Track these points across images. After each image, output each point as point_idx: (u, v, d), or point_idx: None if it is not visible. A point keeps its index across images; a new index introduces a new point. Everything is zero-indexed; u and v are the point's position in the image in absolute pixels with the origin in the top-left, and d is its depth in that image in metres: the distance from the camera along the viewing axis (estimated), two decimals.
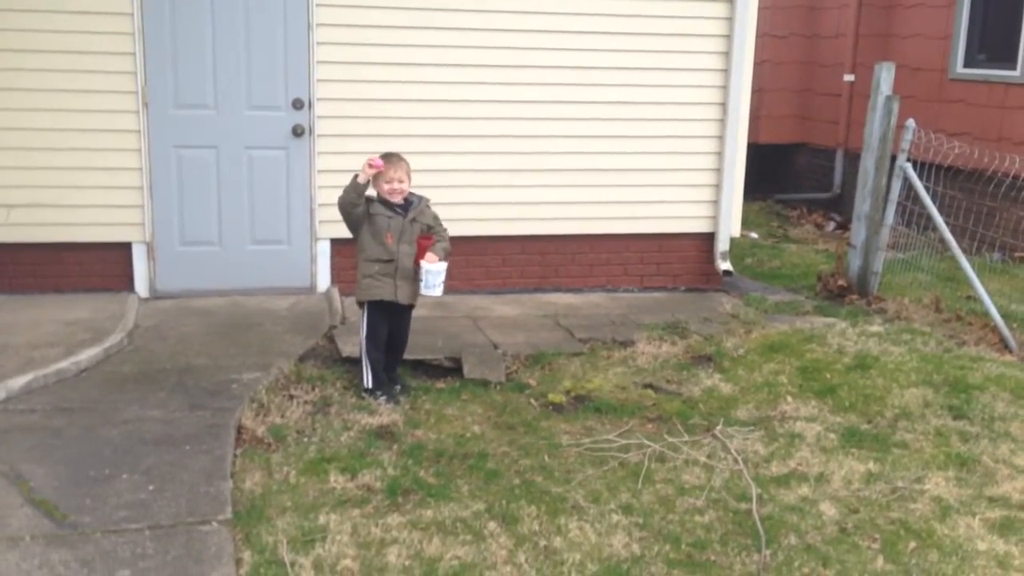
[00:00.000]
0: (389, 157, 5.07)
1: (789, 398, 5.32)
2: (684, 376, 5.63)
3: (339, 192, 5.05)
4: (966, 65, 9.81)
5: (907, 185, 7.06)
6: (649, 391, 5.42)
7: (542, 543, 3.82)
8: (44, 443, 4.38)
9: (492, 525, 3.92)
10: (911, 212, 7.23)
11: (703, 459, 4.60)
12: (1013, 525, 4.06)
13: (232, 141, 6.56)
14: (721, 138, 7.17)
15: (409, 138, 6.51)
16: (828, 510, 4.15)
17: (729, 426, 4.96)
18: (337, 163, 6.40)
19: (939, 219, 6.80)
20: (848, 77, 11.25)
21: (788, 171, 12.48)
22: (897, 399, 5.25)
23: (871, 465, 4.57)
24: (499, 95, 6.80)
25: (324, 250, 6.79)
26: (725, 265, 7.35)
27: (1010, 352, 6.10)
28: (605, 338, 6.11)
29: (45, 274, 6.46)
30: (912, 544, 3.91)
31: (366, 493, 4.14)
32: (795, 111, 12.19)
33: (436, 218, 5.25)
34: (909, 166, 7.03)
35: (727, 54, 7.04)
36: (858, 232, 7.26)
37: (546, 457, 4.58)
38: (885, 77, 7.03)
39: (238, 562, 3.57)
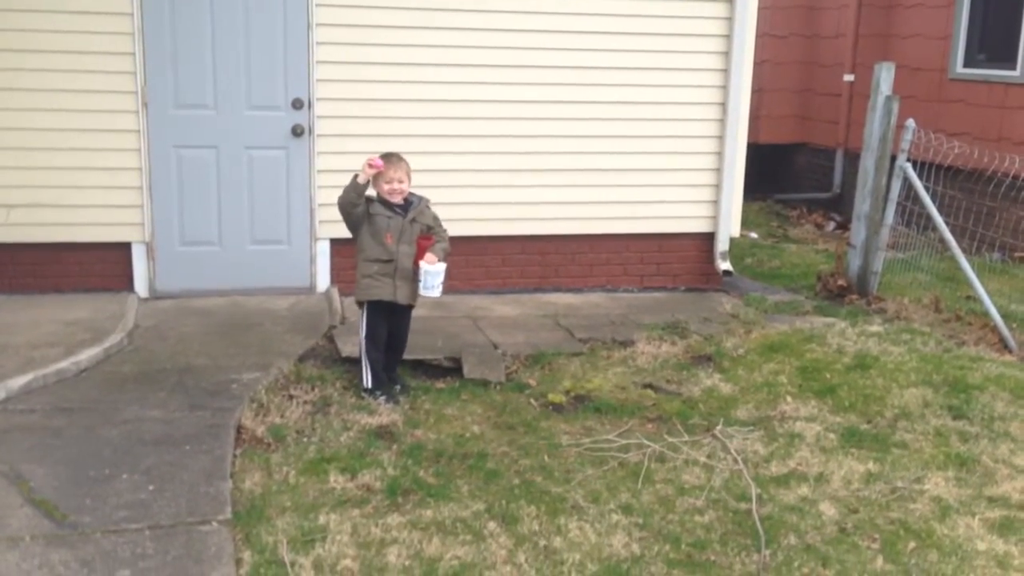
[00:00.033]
0: (389, 157, 5.07)
1: (789, 398, 5.33)
2: (684, 376, 5.63)
3: (339, 192, 5.05)
4: (966, 65, 9.81)
5: (907, 185, 7.06)
6: (649, 391, 5.42)
7: (542, 543, 3.82)
8: (44, 443, 4.38)
9: (492, 525, 3.93)
10: (911, 212, 7.23)
11: (703, 459, 4.60)
12: (1013, 525, 4.06)
13: (232, 141, 6.56)
14: (721, 138, 7.18)
15: (409, 138, 6.51)
16: (828, 510, 4.16)
17: (729, 426, 4.96)
18: (337, 163, 6.40)
19: (939, 219, 6.80)
20: (848, 77, 11.25)
21: (788, 171, 12.49)
22: (897, 399, 5.25)
23: (871, 465, 4.57)
24: (499, 95, 6.81)
25: (324, 250, 6.80)
26: (725, 265, 7.35)
27: (1010, 352, 6.10)
28: (605, 338, 6.12)
29: (45, 274, 6.46)
30: (912, 544, 3.91)
31: (366, 493, 4.14)
32: (795, 111, 12.19)
33: (436, 218, 5.25)
34: (909, 166, 7.04)
35: (727, 54, 7.05)
36: (858, 232, 7.26)
37: (546, 457, 4.59)
38: (885, 77, 7.03)
39: (238, 562, 3.57)
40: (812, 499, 4.25)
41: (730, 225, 7.35)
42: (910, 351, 5.88)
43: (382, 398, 5.11)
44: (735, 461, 4.58)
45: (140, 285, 6.58)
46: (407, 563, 3.63)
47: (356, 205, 5.02)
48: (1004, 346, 6.17)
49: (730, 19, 6.99)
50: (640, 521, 4.01)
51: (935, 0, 10.13)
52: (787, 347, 5.94)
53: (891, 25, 10.81)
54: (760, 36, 8.24)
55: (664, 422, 5.04)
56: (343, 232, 5.31)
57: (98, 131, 6.31)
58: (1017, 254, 8.56)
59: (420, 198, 5.19)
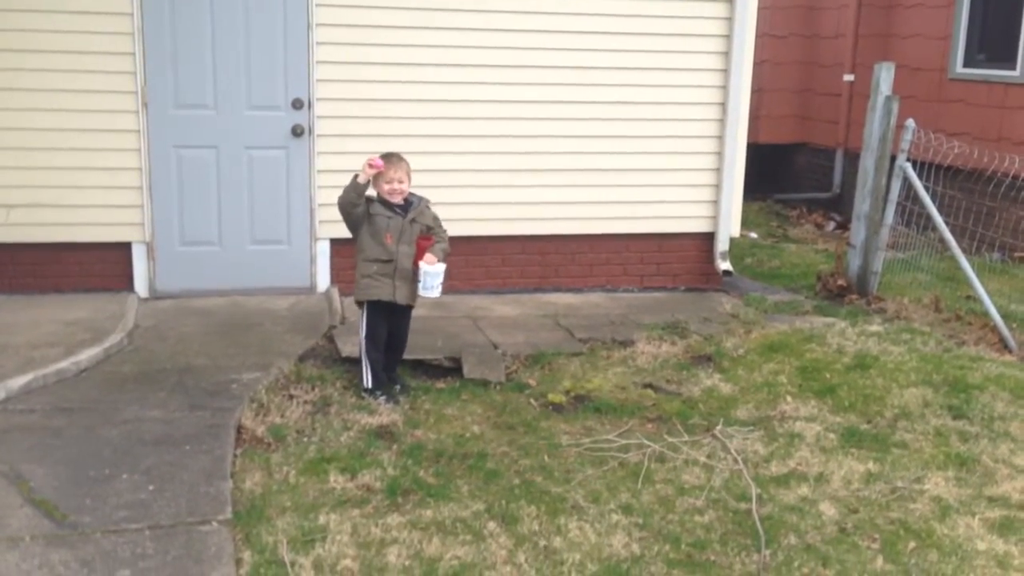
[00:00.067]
0: (389, 157, 5.07)
1: (789, 398, 5.33)
2: (684, 376, 5.63)
3: (339, 192, 5.05)
4: (966, 65, 9.81)
5: (907, 185, 7.06)
6: (649, 391, 5.42)
7: (542, 543, 3.82)
8: (44, 443, 4.38)
9: (492, 525, 3.93)
10: (911, 212, 7.23)
11: (703, 459, 4.60)
12: (1013, 525, 4.06)
13: (232, 141, 6.56)
14: (721, 138, 7.18)
15: (409, 138, 6.51)
16: (828, 510, 4.16)
17: (729, 426, 4.97)
18: (337, 163, 6.40)
19: (939, 219, 6.80)
20: (848, 77, 11.25)
21: (788, 171, 12.49)
22: (897, 399, 5.25)
23: (871, 465, 4.57)
24: (499, 95, 6.81)
25: (324, 250, 6.80)
26: (725, 265, 7.35)
27: (1010, 352, 6.10)
28: (605, 338, 6.12)
29: (45, 274, 6.46)
30: (912, 544, 3.91)
31: (366, 493, 4.14)
32: (795, 111, 12.19)
33: (436, 219, 5.25)
34: (909, 166, 7.04)
35: (727, 54, 7.05)
36: (858, 232, 7.26)
37: (546, 457, 4.59)
38: (885, 77, 7.03)
39: (238, 562, 3.57)
40: (812, 499, 4.25)
41: (730, 225, 7.35)
42: (910, 351, 5.89)
43: (382, 398, 5.11)
44: (735, 461, 4.58)
45: (140, 285, 6.58)
46: (407, 563, 3.63)
47: (356, 205, 5.02)
48: (1004, 346, 6.17)
49: (730, 19, 6.99)
50: (640, 521, 4.01)
51: (935, 0, 10.13)
52: (787, 347, 5.94)
53: (891, 25, 10.81)
54: (760, 36, 8.24)
55: (664, 422, 5.04)
56: (343, 232, 5.31)
57: (98, 131, 6.31)
58: (1017, 254, 8.56)
59: (420, 198, 5.19)
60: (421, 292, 5.10)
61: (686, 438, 4.83)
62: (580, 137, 6.99)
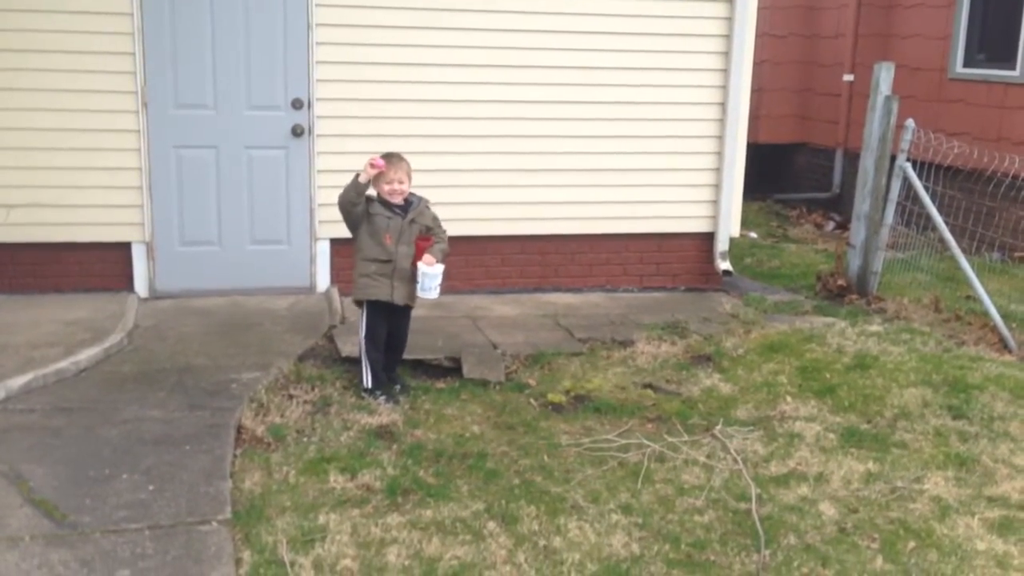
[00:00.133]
0: (390, 157, 5.07)
1: (788, 398, 5.33)
2: (683, 376, 5.63)
3: (339, 192, 5.05)
4: (965, 65, 9.81)
5: (906, 185, 7.06)
6: (649, 391, 5.42)
7: (541, 543, 3.82)
8: (44, 443, 4.38)
9: (492, 525, 3.93)
10: (910, 212, 7.23)
11: (702, 459, 4.61)
12: (1012, 525, 4.06)
13: (232, 141, 6.56)
14: (721, 138, 7.18)
15: (408, 138, 6.50)
16: (827, 510, 4.16)
17: (728, 426, 4.97)
18: (337, 163, 6.40)
19: (938, 219, 6.80)
20: (847, 77, 11.25)
21: (788, 171, 12.49)
22: (896, 399, 5.25)
23: (870, 465, 4.57)
24: (498, 95, 6.81)
25: (324, 250, 6.80)
26: (725, 265, 7.35)
27: (1009, 352, 6.10)
28: (605, 338, 6.12)
29: (45, 274, 6.46)
30: (911, 544, 3.92)
31: (366, 493, 4.14)
32: (794, 111, 12.19)
33: (436, 219, 5.25)
34: (908, 166, 7.04)
35: (727, 54, 7.05)
36: (857, 232, 7.26)
37: (545, 457, 4.59)
38: (884, 77, 7.03)
39: (238, 562, 3.57)
40: (812, 499, 4.25)
41: (730, 225, 7.35)
42: (910, 351, 5.89)
43: (382, 398, 5.11)
44: (735, 461, 4.58)
45: (140, 285, 6.58)
46: (407, 563, 3.63)
47: (356, 204, 5.02)
48: (1004, 346, 6.17)
49: (730, 19, 6.99)
50: (640, 521, 4.02)
51: (935, 0, 10.13)
52: (787, 347, 5.94)
53: (891, 25, 10.81)
54: (760, 36, 8.24)
55: (664, 422, 5.04)
56: (343, 232, 5.31)
57: (98, 131, 6.31)
58: (1017, 254, 8.56)
59: (420, 198, 5.19)
60: (419, 293, 5.10)
61: (686, 438, 4.83)
62: (579, 137, 6.99)
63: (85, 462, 4.20)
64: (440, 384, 5.47)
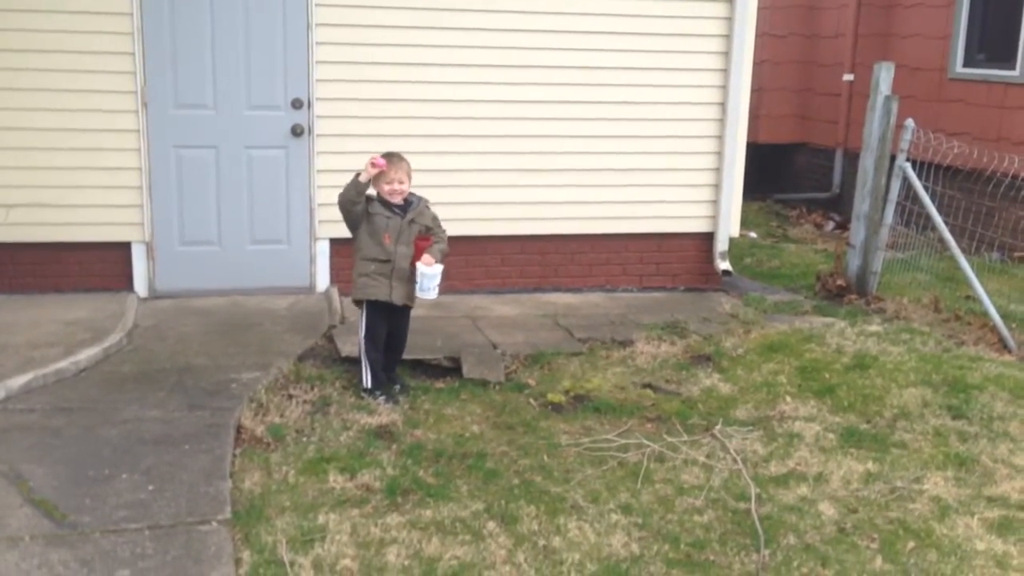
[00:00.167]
0: (391, 157, 5.07)
1: (788, 398, 5.33)
2: (683, 376, 5.64)
3: (339, 192, 5.06)
4: (965, 65, 9.81)
5: (906, 185, 7.06)
6: (648, 391, 5.42)
7: (541, 543, 3.82)
8: (43, 443, 4.38)
9: (491, 525, 3.93)
10: (910, 212, 7.23)
11: (702, 459, 4.61)
12: (1012, 525, 4.07)
13: (232, 141, 6.56)
14: (720, 138, 7.18)
15: (408, 138, 6.50)
16: (827, 510, 4.16)
17: (728, 426, 4.97)
18: (336, 163, 6.40)
19: (938, 219, 6.80)
20: (847, 77, 11.25)
21: (787, 171, 12.49)
22: (896, 399, 5.25)
23: (870, 465, 4.57)
24: (497, 95, 6.81)
25: (323, 250, 6.80)
26: (724, 265, 7.35)
27: (1009, 352, 6.10)
28: (604, 338, 6.12)
29: (45, 274, 6.46)
30: (911, 544, 3.92)
31: (365, 493, 4.14)
32: (794, 111, 12.19)
33: (435, 219, 5.25)
34: (908, 166, 7.04)
35: (727, 54, 7.05)
36: (857, 232, 7.26)
37: (545, 457, 4.59)
38: (884, 77, 7.04)
39: (237, 562, 3.57)
40: (811, 499, 4.25)
41: (729, 225, 7.35)
42: (909, 351, 5.89)
43: (381, 398, 5.11)
44: (734, 461, 4.59)
45: (140, 285, 6.58)
46: (406, 563, 3.63)
47: (356, 203, 5.02)
48: (1003, 346, 6.17)
49: (730, 19, 6.99)
50: (639, 521, 4.02)
51: (935, 0, 10.13)
52: (786, 347, 5.94)
53: (891, 25, 10.81)
54: (760, 36, 8.24)
55: (663, 422, 5.04)
56: (343, 232, 5.31)
57: (98, 131, 6.31)
58: (1016, 254, 8.56)
59: (419, 198, 5.19)
60: (418, 293, 5.10)
61: (685, 438, 4.83)
62: (579, 137, 6.99)
63: (85, 462, 4.20)
64: (440, 384, 5.48)
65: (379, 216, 5.07)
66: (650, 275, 7.39)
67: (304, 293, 6.78)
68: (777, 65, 11.94)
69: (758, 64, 8.84)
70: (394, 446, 4.62)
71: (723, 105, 7.12)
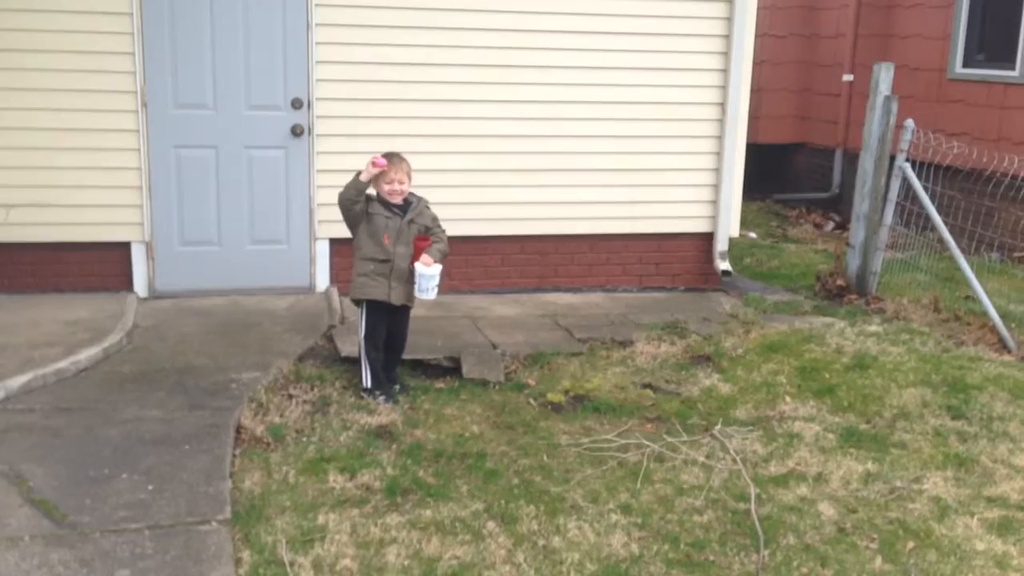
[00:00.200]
0: (391, 157, 5.07)
1: (788, 398, 5.33)
2: (683, 376, 5.64)
3: (338, 192, 5.06)
4: (965, 65, 9.82)
5: (906, 185, 7.06)
6: (648, 391, 5.42)
7: (541, 543, 3.82)
8: (43, 443, 4.38)
9: (491, 525, 3.93)
10: (910, 212, 7.24)
11: (702, 459, 4.61)
12: (1011, 525, 4.07)
13: (231, 141, 6.56)
14: (720, 138, 7.18)
15: (408, 138, 6.50)
16: (826, 510, 4.16)
17: (728, 426, 4.97)
18: (336, 163, 6.40)
19: (938, 219, 6.80)
20: (847, 77, 11.26)
21: (787, 171, 12.49)
22: (896, 399, 5.26)
23: (869, 465, 4.57)
24: (497, 95, 6.81)
25: (323, 250, 6.80)
26: (724, 265, 7.35)
27: (1009, 352, 6.10)
28: (604, 338, 6.12)
29: (45, 274, 6.46)
30: (910, 544, 3.92)
31: (365, 493, 4.14)
32: (794, 111, 12.19)
33: (435, 219, 5.25)
34: (908, 166, 7.04)
35: (726, 54, 7.05)
36: (857, 232, 7.26)
37: (545, 457, 4.59)
38: (884, 77, 7.04)
39: (237, 562, 3.57)
40: (811, 499, 4.25)
41: (729, 225, 7.36)
42: (909, 351, 5.89)
43: (381, 398, 5.11)
44: (734, 461, 4.59)
45: (140, 285, 6.58)
46: (406, 563, 3.63)
47: (356, 202, 5.03)
48: (1003, 346, 6.17)
49: (729, 19, 6.99)
50: (639, 521, 4.02)
51: (934, 0, 10.13)
52: (786, 347, 5.94)
53: (890, 25, 10.81)
54: (759, 36, 8.25)
55: (663, 422, 5.05)
56: (342, 232, 5.31)
57: (98, 131, 6.31)
58: (1016, 254, 8.56)
59: (419, 199, 5.20)
60: (417, 294, 5.10)
61: (685, 438, 4.83)
62: (579, 137, 7.00)
63: (85, 462, 4.20)
64: (440, 384, 5.48)
65: (379, 216, 5.07)
66: (650, 275, 7.39)
67: (304, 293, 6.78)
68: (777, 65, 11.95)
69: (758, 64, 8.84)
70: (394, 446, 4.62)
71: (723, 105, 7.12)
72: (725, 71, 7.07)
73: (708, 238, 7.37)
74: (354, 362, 5.38)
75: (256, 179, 6.63)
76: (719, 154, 7.20)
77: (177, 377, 5.20)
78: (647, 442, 4.73)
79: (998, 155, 7.50)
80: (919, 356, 5.80)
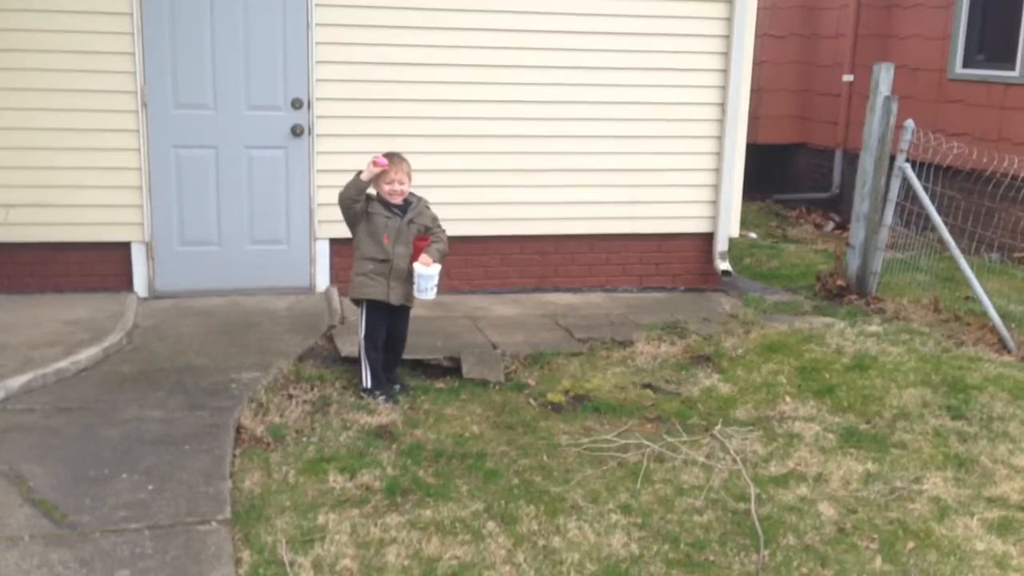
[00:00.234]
0: (392, 157, 5.07)
1: (788, 398, 5.33)
2: (683, 376, 5.64)
3: (338, 192, 5.06)
4: (965, 65, 9.82)
5: (906, 185, 7.06)
6: (648, 391, 5.42)
7: (541, 543, 3.82)
8: (43, 443, 4.38)
9: (491, 525, 3.93)
10: (910, 212, 7.24)
11: (702, 459, 4.61)
12: (1011, 525, 4.07)
13: (231, 141, 6.56)
14: (720, 138, 7.18)
15: (408, 138, 6.50)
16: (826, 510, 4.16)
17: (728, 426, 4.97)
18: (336, 163, 6.40)
19: (938, 219, 6.80)
20: (847, 77, 11.25)
21: (787, 171, 12.49)
22: (895, 399, 5.26)
23: (869, 465, 4.57)
24: (497, 95, 6.81)
25: (323, 250, 6.80)
26: (724, 265, 7.35)
27: (1008, 352, 6.10)
28: (604, 338, 6.12)
29: (45, 274, 6.46)
30: (910, 544, 3.92)
31: (365, 493, 4.14)
32: (794, 111, 12.19)
33: (435, 219, 5.25)
34: (908, 166, 7.04)
35: (726, 54, 7.05)
36: (857, 232, 7.26)
37: (545, 457, 4.59)
38: (884, 77, 7.04)
39: (237, 562, 3.57)
40: (811, 499, 4.25)
41: (729, 225, 7.36)
42: (909, 351, 5.89)
43: (381, 398, 5.11)
44: (734, 461, 4.59)
45: (140, 285, 6.58)
46: (406, 563, 3.63)
47: (356, 201, 5.03)
48: (1003, 346, 6.17)
49: (729, 19, 6.99)
50: (639, 521, 4.02)
51: (934, 0, 10.13)
52: (786, 347, 5.95)
53: (890, 25, 10.81)
54: (759, 36, 8.25)
55: (663, 422, 5.05)
56: (342, 232, 5.31)
57: (98, 131, 6.31)
58: (1016, 254, 8.56)
59: (419, 199, 5.20)
60: (416, 294, 5.10)
61: (685, 438, 4.83)
62: (579, 137, 7.00)
63: (85, 462, 4.20)
64: (440, 384, 5.48)
65: (378, 216, 5.07)
66: (650, 275, 7.39)
67: (304, 293, 6.78)
68: (777, 66, 11.94)
69: (758, 65, 8.84)
70: (394, 446, 4.62)
71: (723, 105, 7.13)
72: (725, 71, 7.07)
73: (708, 238, 7.37)
74: (354, 362, 5.38)
75: (256, 179, 6.63)
76: (719, 154, 7.20)
77: (177, 377, 5.20)
78: (647, 442, 4.73)
79: (998, 155, 7.49)
80: (919, 356, 5.80)
